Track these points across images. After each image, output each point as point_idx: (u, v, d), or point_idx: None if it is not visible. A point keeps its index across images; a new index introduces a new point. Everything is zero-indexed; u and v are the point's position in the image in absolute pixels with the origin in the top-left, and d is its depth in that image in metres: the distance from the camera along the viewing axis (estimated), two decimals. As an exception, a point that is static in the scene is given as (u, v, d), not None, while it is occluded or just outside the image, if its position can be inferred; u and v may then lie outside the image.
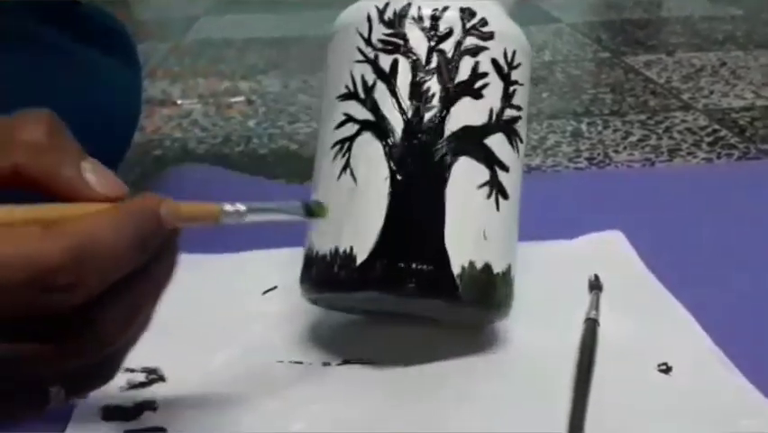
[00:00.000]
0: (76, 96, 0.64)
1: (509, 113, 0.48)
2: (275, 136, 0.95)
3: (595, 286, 0.55)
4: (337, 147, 0.48)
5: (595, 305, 0.52)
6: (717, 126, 0.90)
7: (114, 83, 0.72)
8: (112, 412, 0.44)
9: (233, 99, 1.09)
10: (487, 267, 0.47)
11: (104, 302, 0.30)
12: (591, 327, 0.50)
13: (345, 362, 0.49)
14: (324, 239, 0.47)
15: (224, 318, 0.53)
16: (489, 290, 0.47)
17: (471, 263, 0.46)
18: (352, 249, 0.45)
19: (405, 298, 0.45)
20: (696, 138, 0.87)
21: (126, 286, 0.31)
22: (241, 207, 0.34)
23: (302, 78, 1.18)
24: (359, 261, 0.45)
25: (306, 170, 0.85)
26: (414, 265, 0.45)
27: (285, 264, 0.58)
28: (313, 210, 0.40)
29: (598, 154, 0.84)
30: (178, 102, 1.10)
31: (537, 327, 0.51)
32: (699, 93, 1.03)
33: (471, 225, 0.46)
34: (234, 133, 0.96)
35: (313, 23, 1.55)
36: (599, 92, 1.06)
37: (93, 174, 0.31)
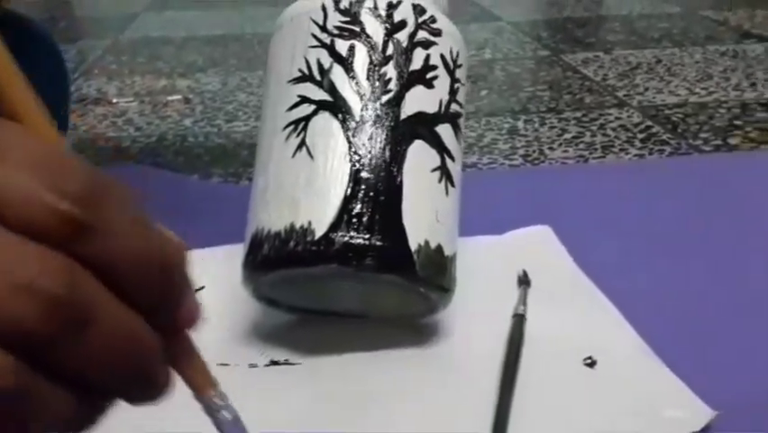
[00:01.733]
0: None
1: (454, 107, 0.51)
2: (211, 135, 0.93)
3: (523, 281, 0.55)
4: (291, 127, 0.48)
5: (523, 300, 0.53)
6: (650, 123, 0.91)
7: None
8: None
9: (170, 98, 1.08)
10: (439, 248, 0.47)
11: None
12: (518, 322, 0.50)
13: (273, 363, 0.48)
14: (278, 217, 0.46)
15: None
16: (442, 271, 0.48)
17: (427, 242, 0.46)
18: (310, 224, 0.45)
19: (363, 273, 0.45)
20: (629, 135, 0.88)
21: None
22: (229, 404, 0.32)
23: (241, 75, 1.17)
24: (317, 235, 0.45)
25: (243, 170, 0.86)
26: (373, 240, 0.45)
27: (213, 263, 0.58)
28: None
29: (534, 151, 0.84)
30: (114, 101, 1.08)
31: (466, 322, 0.51)
32: (634, 90, 1.04)
33: (426, 205, 0.47)
34: (170, 131, 0.95)
35: (253, 21, 1.53)
36: (537, 90, 1.07)
37: None
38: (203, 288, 0.56)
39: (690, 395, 0.43)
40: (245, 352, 0.49)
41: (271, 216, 0.47)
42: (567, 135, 0.89)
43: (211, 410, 0.31)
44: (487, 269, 0.57)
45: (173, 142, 0.92)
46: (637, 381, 0.45)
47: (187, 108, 1.03)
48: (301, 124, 0.48)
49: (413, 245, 0.46)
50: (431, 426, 0.43)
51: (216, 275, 0.56)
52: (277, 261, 0.46)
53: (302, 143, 0.47)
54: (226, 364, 0.48)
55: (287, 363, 0.48)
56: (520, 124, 0.93)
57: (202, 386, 0.30)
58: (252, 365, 0.48)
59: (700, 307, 0.53)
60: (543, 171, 0.79)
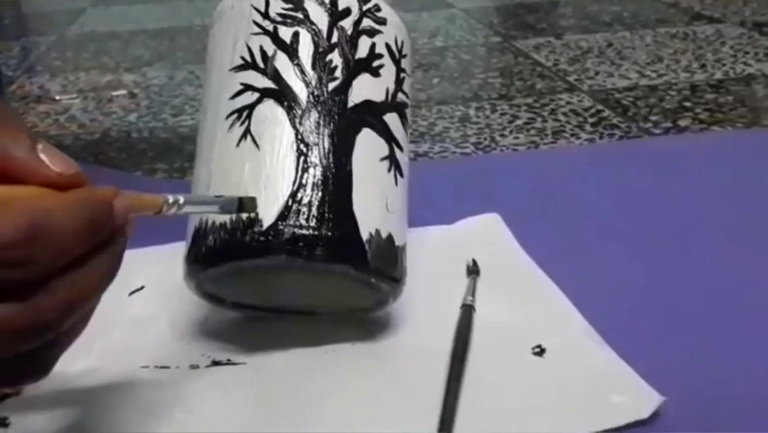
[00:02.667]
0: None
1: (401, 97, 0.50)
2: (156, 130, 0.91)
3: (472, 271, 0.54)
4: (234, 116, 0.47)
5: (471, 290, 0.52)
6: (600, 107, 0.91)
7: None
8: (-42, 431, 0.41)
9: (115, 93, 1.05)
10: (390, 238, 0.46)
11: (47, 286, 0.30)
12: (467, 313, 0.50)
13: (215, 363, 0.47)
14: None
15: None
16: (393, 262, 0.47)
17: (378, 232, 0.46)
18: (256, 214, 0.44)
19: (313, 264, 0.44)
20: (580, 119, 0.87)
21: (70, 272, 0.31)
22: (180, 198, 0.36)
23: (188, 68, 1.15)
24: (265, 225, 0.43)
25: (188, 165, 0.84)
26: (323, 230, 0.44)
27: (154, 263, 0.56)
28: (245, 205, 0.42)
29: (485, 139, 0.84)
30: (57, 98, 1.05)
31: (415, 314, 0.51)
32: (584, 74, 1.04)
33: (376, 194, 0.46)
34: (114, 128, 0.92)
35: (202, 13, 1.51)
36: (489, 77, 1.06)
37: (46, 154, 0.31)
38: (142, 288, 0.54)
39: (638, 381, 0.43)
40: (186, 353, 0.48)
41: None
42: (518, 122, 0.88)
43: (179, 208, 0.36)
44: (436, 259, 0.56)
45: (117, 138, 0.89)
46: (586, 368, 0.45)
47: (132, 103, 1.01)
48: (245, 112, 0.46)
49: (364, 235, 0.45)
50: (379, 421, 0.42)
51: (157, 275, 0.55)
52: (222, 253, 0.44)
53: (247, 132, 0.46)
54: (166, 367, 0.47)
55: (229, 362, 0.47)
56: (471, 112, 0.92)
57: (154, 207, 0.35)
58: (194, 366, 0.47)
59: (650, 292, 0.53)
60: (493, 159, 0.78)
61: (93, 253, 0.31)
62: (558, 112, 0.90)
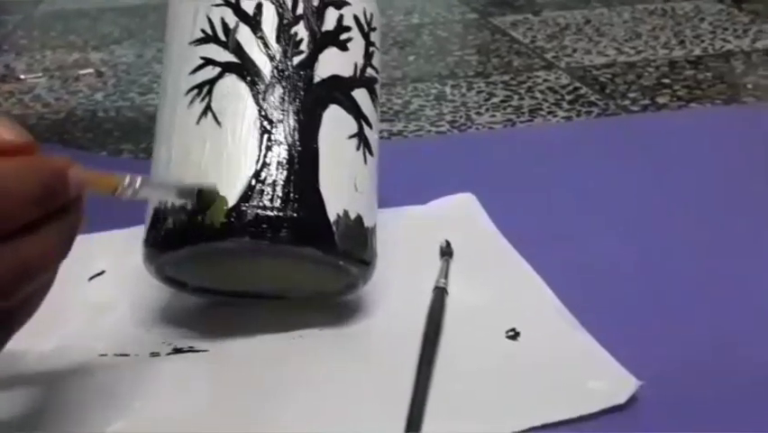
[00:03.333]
0: None
1: (370, 72, 0.48)
2: (123, 109, 0.89)
3: (446, 252, 0.53)
4: (194, 91, 0.44)
5: (444, 272, 0.50)
6: (578, 84, 0.89)
7: None
8: None
9: (82, 72, 1.02)
10: (359, 219, 0.45)
11: None
12: (439, 295, 0.48)
13: (176, 351, 0.45)
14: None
15: (41, 310, 0.48)
16: (362, 244, 0.45)
17: (346, 213, 0.44)
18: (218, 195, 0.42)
19: (277, 246, 0.42)
20: (557, 97, 0.86)
21: (19, 238, 0.30)
22: (137, 180, 0.35)
23: (158, 46, 1.12)
24: (228, 206, 0.41)
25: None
26: (288, 211, 0.42)
27: (114, 246, 0.54)
28: (205, 197, 0.41)
29: (461, 117, 0.82)
30: (22, 77, 1.02)
31: (386, 297, 0.49)
32: (562, 51, 1.02)
33: (344, 173, 0.45)
34: (79, 107, 0.90)
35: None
36: (465, 54, 1.04)
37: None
38: (103, 273, 0.52)
39: (614, 365, 0.41)
40: (146, 340, 0.46)
41: None
42: (495, 99, 0.86)
43: (135, 192, 0.35)
44: (408, 240, 0.55)
45: (82, 117, 0.87)
46: (561, 352, 0.43)
47: (99, 82, 0.98)
48: (205, 87, 0.44)
49: (331, 216, 0.43)
50: (348, 408, 0.40)
51: (117, 259, 0.53)
52: (182, 236, 0.42)
53: (207, 109, 0.44)
54: (125, 355, 0.45)
55: (191, 350, 0.45)
56: (447, 90, 0.90)
57: (109, 187, 0.35)
58: (154, 354, 0.45)
59: (626, 273, 0.51)
60: (469, 137, 0.76)
61: (45, 221, 0.31)
62: (535, 89, 0.89)
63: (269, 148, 0.43)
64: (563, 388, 0.41)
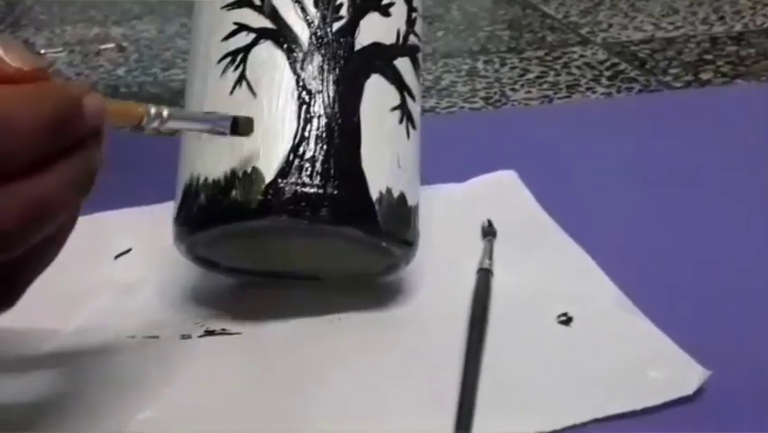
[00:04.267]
0: None
1: (413, 39, 0.46)
2: (146, 84, 0.87)
3: (488, 232, 0.50)
4: (228, 59, 0.42)
5: (488, 253, 0.48)
6: (616, 60, 0.86)
7: None
8: None
9: (103, 46, 1.00)
10: (402, 197, 0.42)
11: (2, 186, 0.26)
12: (484, 277, 0.45)
13: (208, 333, 0.43)
14: (216, 162, 0.40)
15: (65, 290, 0.45)
16: (406, 223, 0.42)
17: (389, 191, 0.41)
18: (255, 170, 0.39)
19: (317, 226, 0.40)
20: (595, 73, 0.83)
21: (31, 174, 0.27)
22: (165, 111, 0.33)
23: (180, 21, 1.10)
24: (264, 183, 0.39)
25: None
26: (328, 189, 0.39)
27: (142, 224, 0.52)
28: (240, 125, 0.38)
29: (495, 93, 0.79)
30: (42, 51, 1.00)
31: (428, 279, 0.46)
32: (597, 27, 0.99)
33: (387, 149, 0.42)
34: (101, 82, 0.88)
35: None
36: (496, 29, 1.01)
37: (3, 48, 0.27)
38: (129, 250, 0.50)
39: (679, 353, 0.39)
40: (177, 322, 0.44)
41: (207, 162, 0.41)
42: (530, 75, 0.83)
43: (162, 122, 0.33)
44: (448, 220, 0.52)
45: (104, 92, 0.84)
46: (618, 339, 0.41)
47: (120, 57, 0.96)
48: (239, 55, 0.42)
49: (374, 194, 0.41)
50: (389, 395, 0.38)
51: (145, 237, 0.51)
52: (216, 214, 0.40)
53: (241, 78, 0.41)
54: (155, 337, 0.43)
55: (224, 332, 0.43)
56: (480, 65, 0.87)
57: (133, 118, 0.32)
58: (185, 336, 0.43)
59: (683, 253, 0.48)
60: (506, 114, 0.73)
61: (60, 156, 0.28)
62: (571, 65, 0.85)
63: (307, 120, 0.41)
64: (622, 378, 0.38)
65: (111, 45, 1.00)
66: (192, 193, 0.41)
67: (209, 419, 0.37)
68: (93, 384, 0.39)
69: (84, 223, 0.52)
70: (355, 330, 0.43)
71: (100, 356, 0.41)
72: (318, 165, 0.40)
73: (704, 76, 0.80)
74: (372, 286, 0.46)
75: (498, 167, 0.58)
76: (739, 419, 0.36)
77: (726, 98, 0.74)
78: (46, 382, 0.39)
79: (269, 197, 0.39)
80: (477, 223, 0.51)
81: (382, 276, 0.45)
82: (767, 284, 0.45)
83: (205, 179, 0.40)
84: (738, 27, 0.96)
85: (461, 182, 0.57)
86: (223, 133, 0.38)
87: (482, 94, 0.79)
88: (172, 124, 0.34)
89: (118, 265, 0.49)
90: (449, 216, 0.52)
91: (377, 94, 0.43)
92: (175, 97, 0.82)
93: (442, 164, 0.57)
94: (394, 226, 0.42)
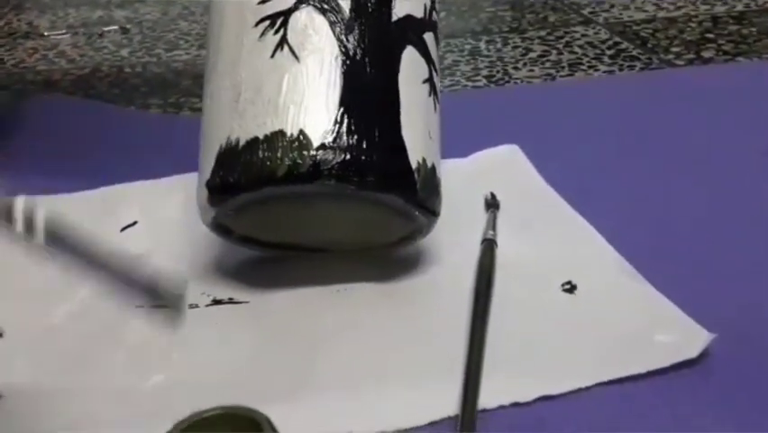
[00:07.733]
0: None
1: (435, 16, 0.46)
2: (150, 65, 0.86)
3: (491, 204, 0.50)
4: (267, 22, 0.41)
5: (492, 224, 0.48)
6: (618, 39, 0.86)
7: None
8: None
9: (106, 28, 1.00)
10: (434, 168, 0.43)
11: None
12: (489, 247, 0.46)
13: (216, 302, 0.43)
14: (259, 125, 0.40)
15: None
16: (436, 194, 0.43)
17: (424, 161, 0.42)
18: (301, 133, 0.39)
19: (363, 192, 0.40)
20: (597, 52, 0.83)
21: None
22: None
23: (183, 4, 1.09)
24: (313, 147, 0.39)
25: (184, 100, 0.79)
26: (374, 156, 0.40)
27: (146, 197, 0.52)
28: (164, 296, 0.31)
29: (497, 72, 0.79)
30: (46, 33, 1.00)
31: (432, 250, 0.47)
32: (599, 7, 0.99)
33: (420, 120, 0.42)
34: (105, 63, 0.88)
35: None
36: (498, 10, 1.01)
37: None
38: (135, 223, 0.50)
39: (683, 318, 0.39)
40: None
41: (249, 124, 0.40)
42: (532, 54, 0.83)
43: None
44: (451, 193, 0.51)
45: (108, 73, 0.84)
46: (623, 305, 0.41)
47: (124, 39, 0.96)
48: (279, 19, 0.41)
49: (413, 163, 0.41)
50: (396, 364, 0.38)
51: (149, 209, 0.51)
52: (261, 176, 0.39)
53: (283, 41, 0.41)
54: (163, 306, 0.43)
55: (231, 301, 0.43)
56: (482, 45, 0.87)
57: None
58: (193, 306, 0.43)
59: (682, 222, 0.49)
60: (508, 91, 0.74)
61: None
62: (573, 44, 0.85)
63: (351, 89, 0.40)
64: (628, 342, 0.38)
65: (114, 27, 1.00)
66: (231, 155, 0.40)
67: (219, 381, 0.37)
68: (102, 353, 0.40)
69: (89, 197, 0.53)
70: (360, 299, 0.43)
71: (109, 325, 0.41)
72: (363, 132, 0.40)
73: (706, 54, 0.80)
74: (376, 258, 0.46)
75: (502, 143, 0.58)
76: (743, 382, 0.36)
77: (728, 75, 0.74)
78: (54, 352, 0.40)
79: (318, 160, 0.39)
80: (481, 196, 0.51)
81: (394, 248, 0.45)
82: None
83: (247, 142, 0.39)
84: (740, 7, 0.95)
85: (463, 157, 0.57)
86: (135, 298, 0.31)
87: (485, 72, 0.79)
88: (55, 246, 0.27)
89: (125, 238, 0.49)
90: (452, 190, 0.52)
91: (411, 66, 0.43)
92: (178, 78, 0.82)
93: (445, 140, 0.58)
94: (427, 196, 0.42)
